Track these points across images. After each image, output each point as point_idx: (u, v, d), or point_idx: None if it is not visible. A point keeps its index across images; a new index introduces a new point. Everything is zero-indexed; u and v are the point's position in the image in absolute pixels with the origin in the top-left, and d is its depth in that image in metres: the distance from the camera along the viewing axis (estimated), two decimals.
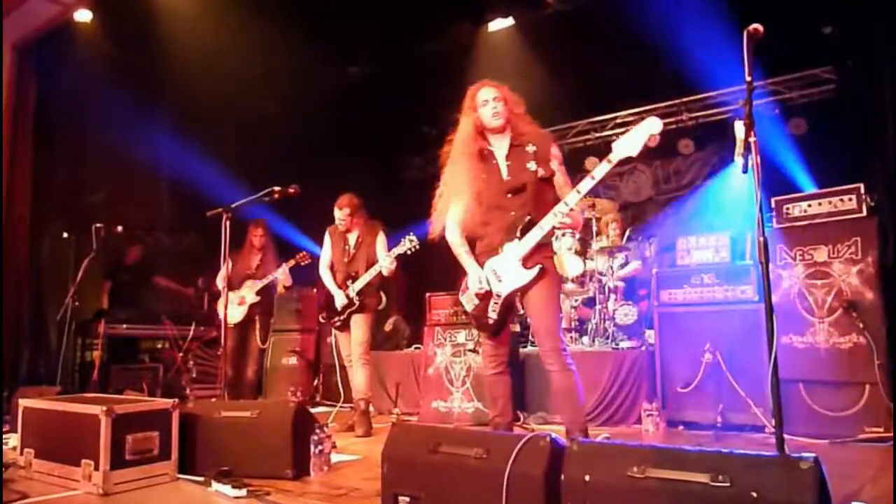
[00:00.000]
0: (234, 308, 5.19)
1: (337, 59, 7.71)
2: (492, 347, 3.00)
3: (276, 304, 5.91)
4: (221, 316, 5.05)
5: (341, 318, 4.57)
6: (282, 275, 5.28)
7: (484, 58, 7.28)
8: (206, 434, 3.10)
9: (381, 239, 4.65)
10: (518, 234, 2.84)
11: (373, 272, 4.49)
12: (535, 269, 2.81)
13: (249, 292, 5.27)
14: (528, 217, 2.83)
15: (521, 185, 2.88)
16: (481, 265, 2.95)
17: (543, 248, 2.88)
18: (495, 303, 2.90)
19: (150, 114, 6.80)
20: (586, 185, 2.75)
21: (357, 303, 4.52)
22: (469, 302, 2.99)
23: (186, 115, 6.75)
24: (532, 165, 2.88)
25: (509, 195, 2.90)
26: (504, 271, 2.88)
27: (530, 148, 2.92)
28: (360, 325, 4.53)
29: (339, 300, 4.55)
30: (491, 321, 2.92)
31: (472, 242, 3.04)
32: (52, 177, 6.28)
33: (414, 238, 4.35)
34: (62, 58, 6.16)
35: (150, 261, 6.84)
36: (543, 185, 2.90)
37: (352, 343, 4.55)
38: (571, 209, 2.77)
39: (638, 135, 2.69)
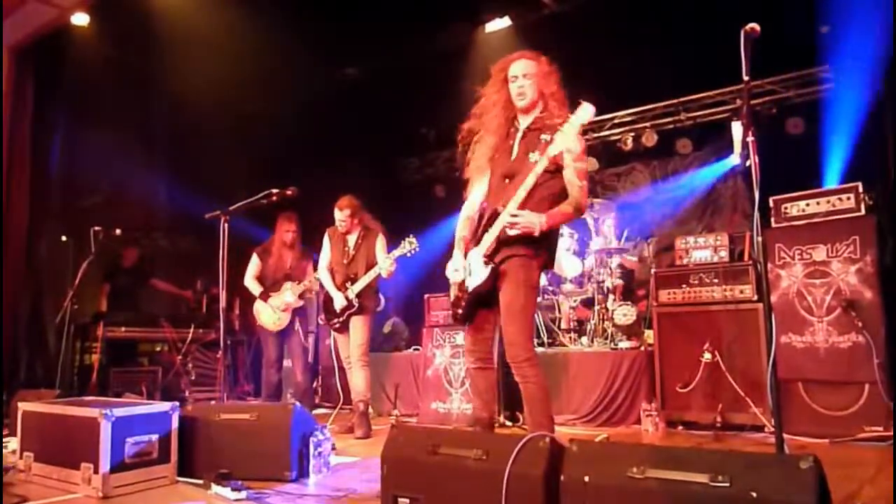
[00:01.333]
0: (276, 314, 5.00)
1: (334, 60, 7.70)
2: (471, 341, 2.85)
3: None
4: (260, 322, 5.09)
5: (340, 319, 4.57)
6: (314, 285, 5.06)
7: (481, 59, 7.28)
8: (206, 437, 3.10)
9: (380, 240, 4.64)
10: (489, 227, 2.71)
11: (372, 274, 4.48)
12: (488, 269, 2.66)
13: (292, 296, 5.00)
14: (500, 210, 2.65)
15: (514, 173, 2.71)
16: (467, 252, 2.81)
17: (513, 247, 2.66)
18: (463, 296, 2.77)
19: (147, 116, 6.80)
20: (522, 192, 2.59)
21: (356, 305, 4.51)
22: (453, 293, 2.86)
23: (184, 118, 6.76)
24: (534, 156, 2.66)
25: (506, 181, 2.74)
26: (473, 266, 2.74)
27: (545, 136, 2.67)
28: (358, 326, 4.53)
29: (338, 302, 4.55)
30: (459, 315, 2.79)
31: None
32: (50, 180, 6.28)
33: (414, 240, 4.35)
34: (59, 61, 6.16)
35: (149, 263, 6.84)
36: (547, 178, 2.65)
37: (351, 345, 4.55)
38: (514, 215, 2.58)
39: (572, 126, 2.56)
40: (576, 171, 2.68)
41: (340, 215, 4.63)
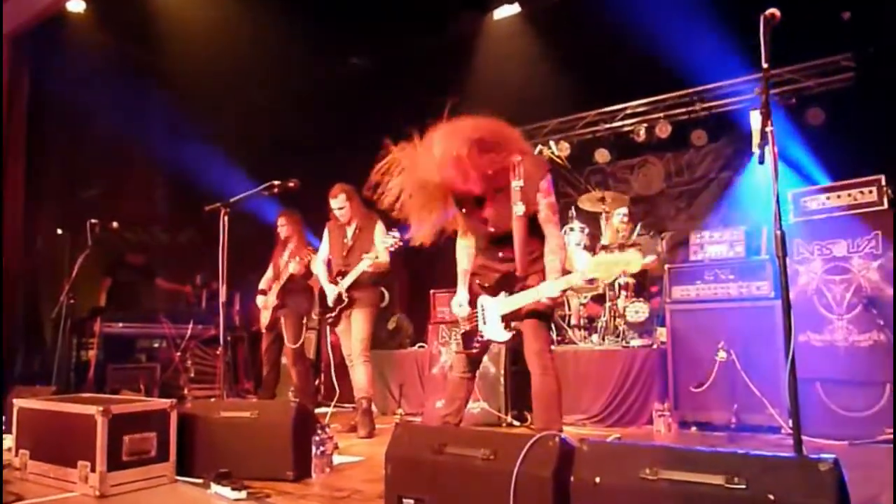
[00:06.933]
0: (267, 311, 5.13)
1: (338, 48, 7.69)
2: (467, 360, 3.03)
3: None
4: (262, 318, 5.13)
5: (332, 314, 4.55)
6: (294, 268, 5.04)
7: (489, 46, 7.26)
8: (205, 435, 3.11)
9: (379, 228, 4.58)
10: (506, 290, 2.85)
11: (360, 268, 4.41)
12: (508, 335, 2.85)
13: (272, 296, 5.11)
14: (517, 273, 2.81)
15: (508, 234, 2.84)
16: (474, 295, 2.97)
17: (532, 307, 2.82)
18: (479, 340, 2.96)
19: (145, 105, 6.81)
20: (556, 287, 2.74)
21: (346, 299, 4.47)
22: (462, 327, 3.02)
23: (183, 107, 6.76)
24: (519, 209, 2.79)
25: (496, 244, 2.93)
26: (489, 318, 2.92)
27: (517, 183, 2.80)
28: (359, 320, 4.51)
29: (330, 295, 4.53)
30: (474, 352, 2.98)
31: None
32: (47, 171, 6.31)
33: (397, 234, 4.28)
34: (55, 49, 6.17)
35: (152, 262, 6.86)
36: (536, 223, 2.86)
37: (352, 340, 4.53)
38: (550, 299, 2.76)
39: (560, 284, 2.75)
40: (548, 206, 2.86)
41: (336, 203, 4.59)
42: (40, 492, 2.84)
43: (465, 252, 3.05)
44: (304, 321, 5.14)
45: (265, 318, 5.15)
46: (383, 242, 4.35)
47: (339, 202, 4.59)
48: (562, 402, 2.82)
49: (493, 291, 2.90)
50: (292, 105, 7.21)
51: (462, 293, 3.01)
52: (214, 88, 6.53)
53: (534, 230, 2.84)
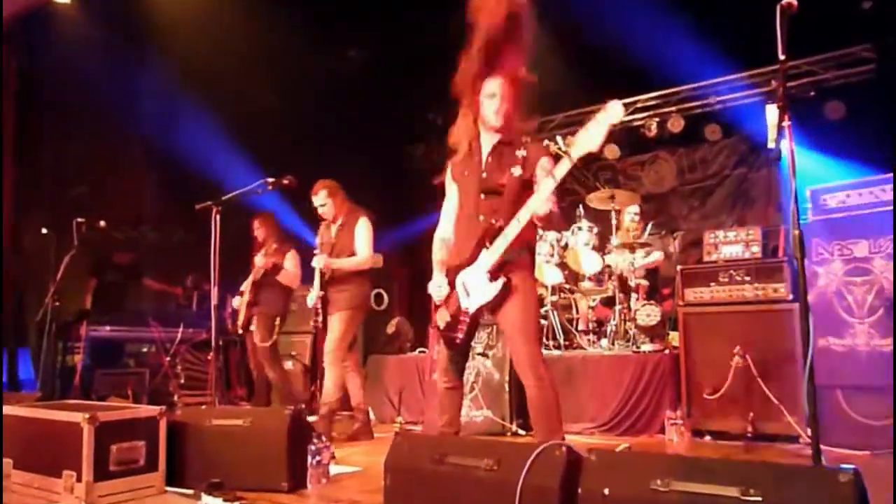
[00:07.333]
0: (241, 313, 5.29)
1: (336, 40, 7.69)
2: (447, 361, 2.95)
3: None
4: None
5: (317, 317, 4.55)
6: (259, 261, 5.18)
7: None
8: (196, 444, 3.11)
9: (361, 225, 4.55)
10: (487, 243, 2.79)
11: (340, 264, 4.46)
12: (499, 283, 2.74)
13: (246, 294, 5.28)
14: (499, 224, 2.76)
15: (498, 188, 2.82)
16: (452, 277, 2.92)
17: (516, 262, 2.79)
18: (463, 319, 2.86)
19: (135, 100, 6.81)
20: (547, 185, 2.64)
21: (320, 302, 4.49)
22: (442, 319, 2.95)
23: (174, 101, 6.76)
24: (517, 170, 2.78)
25: (482, 196, 2.87)
26: (472, 285, 2.84)
27: (520, 152, 2.83)
28: (334, 321, 4.49)
29: (310, 298, 4.55)
30: (459, 340, 2.88)
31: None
32: (33, 169, 6.31)
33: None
34: (42, 42, 6.18)
35: (140, 262, 6.87)
36: (526, 192, 2.77)
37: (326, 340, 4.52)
38: (536, 214, 2.67)
39: (599, 126, 2.59)
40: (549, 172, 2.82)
41: (317, 200, 4.59)
42: (24, 502, 2.84)
43: (442, 243, 3.05)
44: (277, 321, 5.20)
45: (241, 318, 5.27)
46: (318, 260, 4.41)
47: (320, 199, 4.58)
48: (561, 411, 2.76)
49: (473, 258, 2.83)
50: (287, 99, 7.21)
51: (439, 276, 2.97)
52: (207, 80, 6.52)
53: (522, 194, 2.79)
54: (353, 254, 4.52)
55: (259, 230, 5.37)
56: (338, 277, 4.51)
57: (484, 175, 2.87)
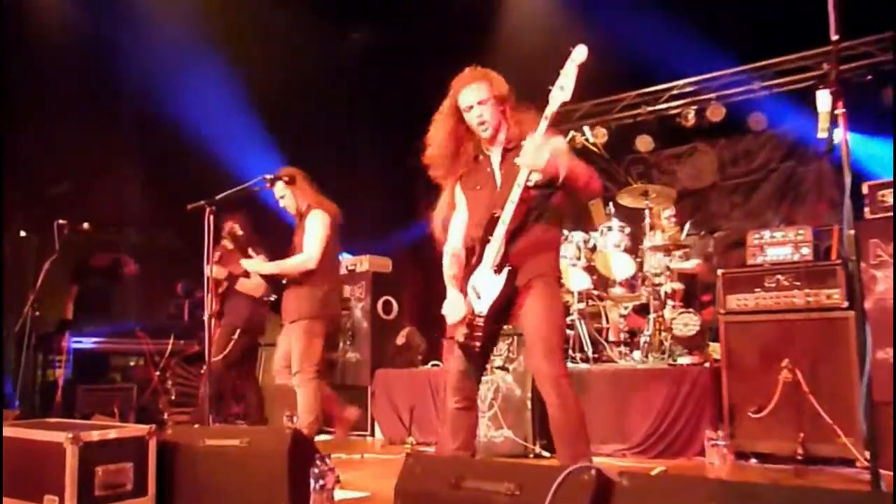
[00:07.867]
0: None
1: (337, 23, 7.74)
2: (458, 378, 3.01)
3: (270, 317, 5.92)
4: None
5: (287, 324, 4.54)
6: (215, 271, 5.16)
7: (510, 19, 7.25)
8: (189, 466, 3.13)
9: (312, 218, 4.39)
10: (489, 237, 2.83)
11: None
12: (504, 274, 2.78)
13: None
14: (497, 215, 2.81)
15: (504, 203, 2.84)
16: (463, 285, 2.96)
17: (537, 264, 2.84)
18: (478, 325, 2.88)
19: (118, 93, 6.87)
20: (540, 127, 2.74)
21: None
22: (460, 333, 2.98)
23: (161, 93, 6.82)
24: (535, 176, 2.81)
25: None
26: (481, 285, 2.88)
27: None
28: (292, 339, 4.41)
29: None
30: (477, 348, 2.90)
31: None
32: (10, 167, 6.38)
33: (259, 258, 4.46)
34: (18, 31, 6.25)
35: (120, 261, 6.91)
36: (538, 194, 2.87)
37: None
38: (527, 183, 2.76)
39: (567, 75, 2.72)
40: None
41: (276, 192, 4.48)
42: None
43: (453, 259, 3.10)
44: (236, 333, 5.25)
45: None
46: (255, 258, 4.44)
47: (278, 191, 4.50)
48: (587, 431, 2.78)
49: (480, 259, 2.88)
50: (284, 86, 7.25)
51: (454, 294, 3.00)
52: (197, 67, 6.58)
53: (549, 195, 2.90)
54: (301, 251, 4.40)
55: (241, 233, 5.17)
56: (289, 282, 4.43)
57: (499, 188, 2.94)
